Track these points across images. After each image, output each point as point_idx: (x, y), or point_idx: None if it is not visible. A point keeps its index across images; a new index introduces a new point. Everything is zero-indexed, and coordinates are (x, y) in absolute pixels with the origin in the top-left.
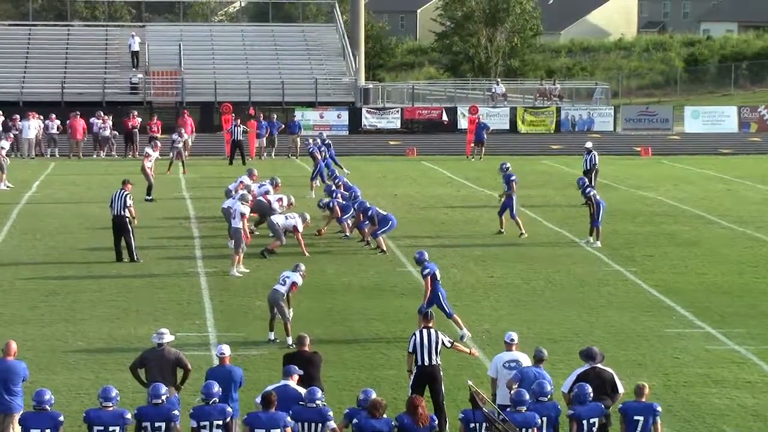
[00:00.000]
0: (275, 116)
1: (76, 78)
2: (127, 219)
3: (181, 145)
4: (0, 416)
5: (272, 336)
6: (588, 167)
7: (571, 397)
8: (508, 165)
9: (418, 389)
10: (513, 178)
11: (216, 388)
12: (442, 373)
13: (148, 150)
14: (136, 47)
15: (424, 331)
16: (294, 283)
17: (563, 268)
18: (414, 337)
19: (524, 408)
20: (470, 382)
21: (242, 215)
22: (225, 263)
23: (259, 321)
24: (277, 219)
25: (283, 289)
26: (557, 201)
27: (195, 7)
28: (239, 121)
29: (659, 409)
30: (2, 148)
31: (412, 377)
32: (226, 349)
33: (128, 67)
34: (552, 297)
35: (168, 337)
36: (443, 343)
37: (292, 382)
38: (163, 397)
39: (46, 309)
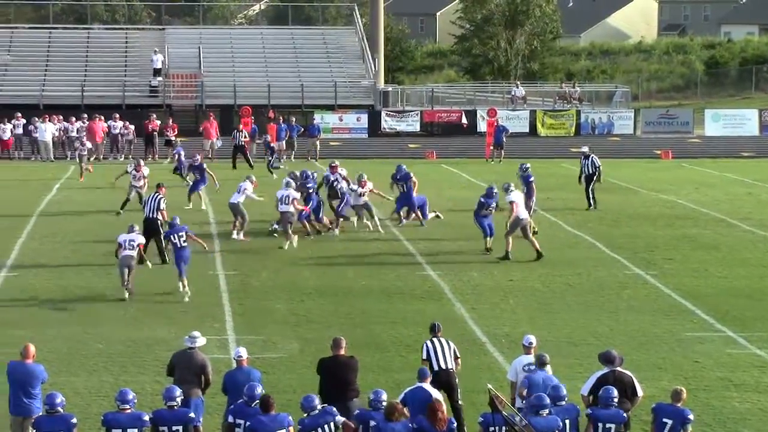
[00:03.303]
0: (294, 119)
1: (96, 81)
2: (159, 222)
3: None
4: (19, 419)
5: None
6: (590, 171)
7: (590, 400)
8: (528, 166)
9: None
10: (531, 179)
11: (259, 389)
12: (457, 379)
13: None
14: (158, 64)
15: (435, 340)
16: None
17: (583, 271)
18: (426, 345)
19: (546, 412)
20: (490, 386)
21: (294, 199)
22: (245, 265)
23: (279, 324)
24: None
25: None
26: (576, 204)
27: (215, 10)
28: (240, 126)
29: (691, 417)
30: None
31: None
32: (244, 352)
33: (148, 71)
34: (572, 300)
35: (200, 341)
36: (455, 352)
37: (426, 385)
38: (178, 400)
39: (66, 311)
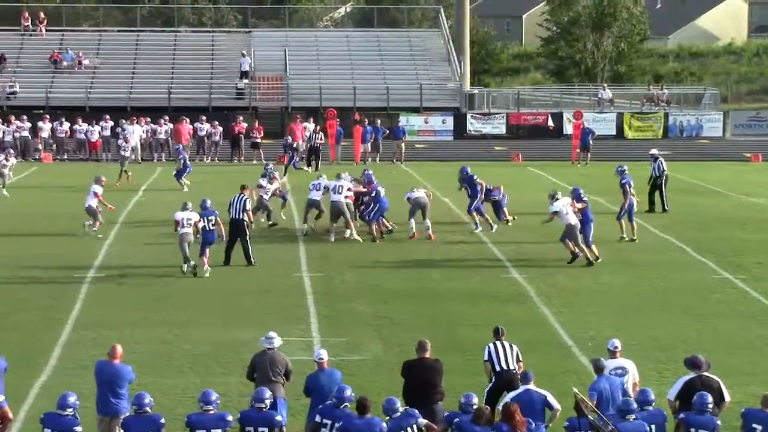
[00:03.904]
0: (379, 121)
1: (183, 83)
2: (245, 223)
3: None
4: (106, 419)
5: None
6: (657, 174)
7: (677, 405)
8: (624, 168)
9: (493, 396)
10: (623, 181)
11: (348, 392)
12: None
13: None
14: (245, 67)
15: (497, 343)
16: None
17: (670, 274)
18: (488, 347)
19: (632, 416)
20: (576, 390)
21: (349, 189)
22: (329, 267)
23: (364, 326)
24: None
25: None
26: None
27: (300, 13)
28: (318, 128)
29: None
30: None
31: (489, 385)
32: (324, 354)
33: (234, 73)
34: (659, 304)
35: (277, 341)
36: (518, 356)
37: (533, 387)
38: (267, 402)
39: (153, 312)
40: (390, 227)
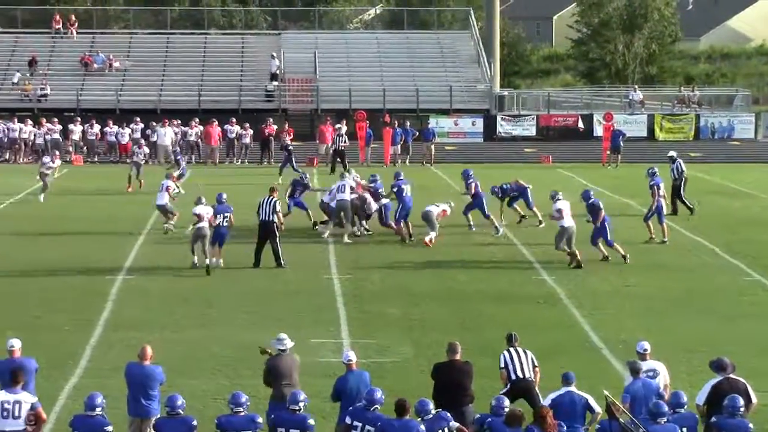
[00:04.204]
0: (409, 123)
1: (213, 86)
2: (275, 224)
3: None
4: (137, 420)
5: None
6: (675, 176)
7: (705, 409)
8: (655, 170)
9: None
10: (652, 183)
11: (378, 394)
12: (537, 388)
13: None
14: (274, 69)
15: (512, 350)
16: None
17: (701, 277)
18: (503, 355)
19: (664, 419)
20: (607, 392)
21: (351, 187)
22: (359, 269)
23: (394, 328)
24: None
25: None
26: (696, 209)
27: (330, 15)
28: (342, 130)
29: None
30: (44, 163)
31: (503, 391)
32: (353, 355)
33: (264, 76)
34: (690, 306)
35: (289, 342)
36: (533, 361)
37: (575, 389)
38: (301, 405)
39: (183, 314)
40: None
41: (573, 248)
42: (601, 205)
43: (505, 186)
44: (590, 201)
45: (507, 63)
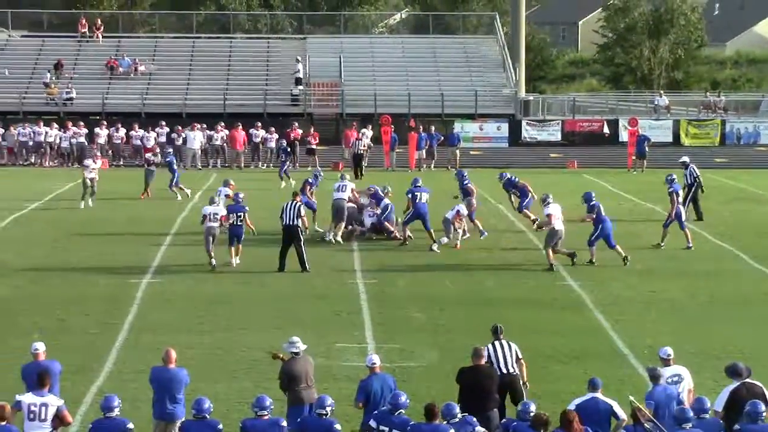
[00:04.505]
0: (434, 128)
1: (238, 89)
2: (299, 229)
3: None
4: (162, 424)
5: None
6: (689, 181)
7: (723, 415)
8: (673, 177)
9: None
10: (671, 190)
11: (403, 398)
12: (523, 381)
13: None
14: (300, 74)
15: (497, 343)
16: None
17: (727, 283)
18: (487, 348)
19: (689, 425)
20: (632, 398)
21: (352, 189)
22: (384, 274)
23: (418, 332)
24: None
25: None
26: (722, 215)
27: (355, 19)
28: (361, 134)
29: None
30: (86, 166)
31: None
32: (377, 359)
33: (289, 79)
34: (715, 312)
35: (302, 345)
36: (517, 354)
37: (600, 395)
38: (328, 409)
39: (208, 318)
40: (404, 238)
41: (562, 250)
42: (602, 208)
43: (513, 179)
44: (591, 203)
45: (532, 68)
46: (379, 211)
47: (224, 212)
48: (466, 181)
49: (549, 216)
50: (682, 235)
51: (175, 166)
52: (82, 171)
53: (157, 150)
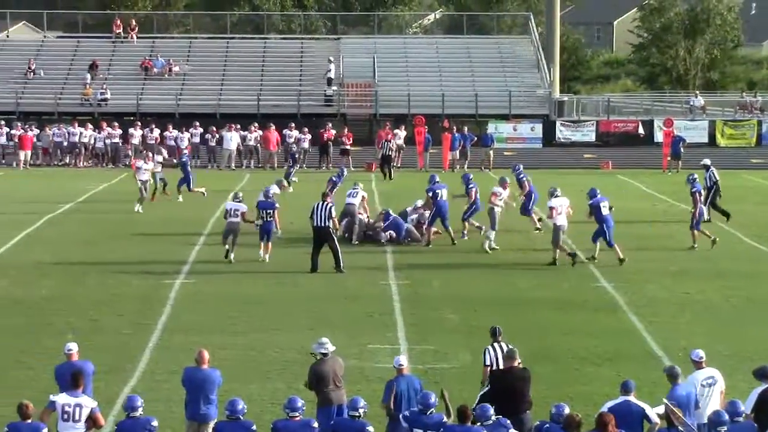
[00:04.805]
0: (467, 129)
1: (272, 90)
2: (331, 230)
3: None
4: (195, 425)
5: None
6: (709, 184)
7: (752, 417)
8: (695, 177)
9: (486, 401)
10: (693, 190)
11: (433, 398)
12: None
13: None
14: (332, 74)
15: (496, 345)
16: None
17: (763, 284)
18: (487, 350)
19: (724, 429)
20: (666, 401)
21: (363, 196)
22: (416, 275)
23: (451, 334)
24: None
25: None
26: (757, 216)
27: (389, 20)
28: (390, 136)
29: None
30: (138, 168)
31: (483, 389)
32: (404, 360)
33: (323, 80)
34: (751, 315)
35: (331, 346)
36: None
37: (633, 398)
38: (361, 411)
39: (241, 318)
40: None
41: (563, 246)
42: (603, 205)
43: (522, 177)
44: (592, 200)
45: (567, 68)
46: (422, 211)
47: (245, 208)
48: (471, 185)
49: (551, 209)
50: (701, 234)
51: (189, 168)
52: (133, 174)
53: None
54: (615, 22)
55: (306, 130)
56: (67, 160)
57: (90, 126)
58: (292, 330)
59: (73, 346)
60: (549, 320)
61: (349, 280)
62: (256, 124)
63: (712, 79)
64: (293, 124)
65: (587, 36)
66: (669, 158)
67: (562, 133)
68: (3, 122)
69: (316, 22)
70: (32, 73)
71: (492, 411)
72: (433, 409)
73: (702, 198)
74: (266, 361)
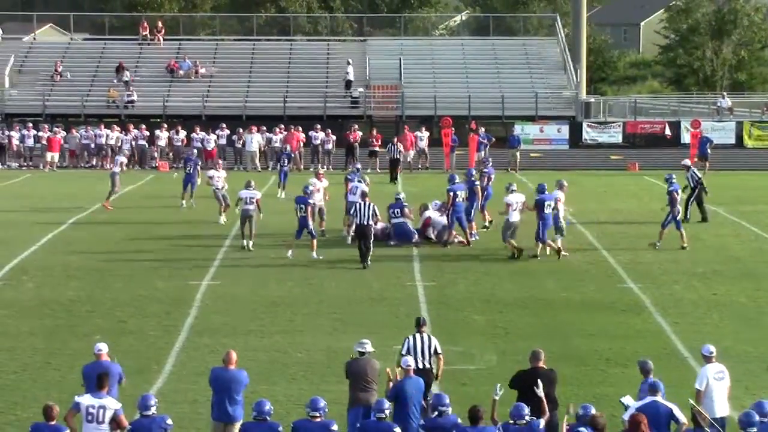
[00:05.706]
0: (483, 129)
1: (298, 92)
2: (372, 228)
3: None
4: (221, 425)
5: None
6: (693, 183)
7: None
8: (673, 176)
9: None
10: (671, 189)
11: (447, 398)
12: (439, 377)
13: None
14: (351, 76)
15: (417, 336)
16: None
17: None
18: (407, 340)
19: (754, 429)
20: (692, 401)
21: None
22: (443, 276)
23: (478, 335)
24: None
25: None
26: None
27: (416, 21)
28: (396, 139)
29: None
30: (211, 177)
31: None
32: (411, 361)
33: (350, 82)
34: None
35: (369, 347)
36: (436, 349)
37: (660, 398)
38: (387, 412)
39: (267, 320)
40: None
41: (512, 241)
42: (548, 204)
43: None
44: (538, 197)
45: (593, 69)
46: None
47: (259, 196)
48: (476, 182)
49: (507, 205)
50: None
51: (197, 172)
52: (207, 181)
53: (125, 149)
54: (642, 23)
55: (329, 131)
56: (94, 162)
57: (117, 128)
58: (318, 331)
59: (103, 347)
60: (575, 321)
61: (375, 281)
62: (282, 126)
63: (740, 80)
64: (319, 126)
65: (614, 37)
66: (696, 159)
67: (589, 134)
68: (30, 124)
69: (342, 23)
70: (59, 76)
71: (527, 411)
72: (449, 410)
73: (679, 198)
74: (293, 362)
